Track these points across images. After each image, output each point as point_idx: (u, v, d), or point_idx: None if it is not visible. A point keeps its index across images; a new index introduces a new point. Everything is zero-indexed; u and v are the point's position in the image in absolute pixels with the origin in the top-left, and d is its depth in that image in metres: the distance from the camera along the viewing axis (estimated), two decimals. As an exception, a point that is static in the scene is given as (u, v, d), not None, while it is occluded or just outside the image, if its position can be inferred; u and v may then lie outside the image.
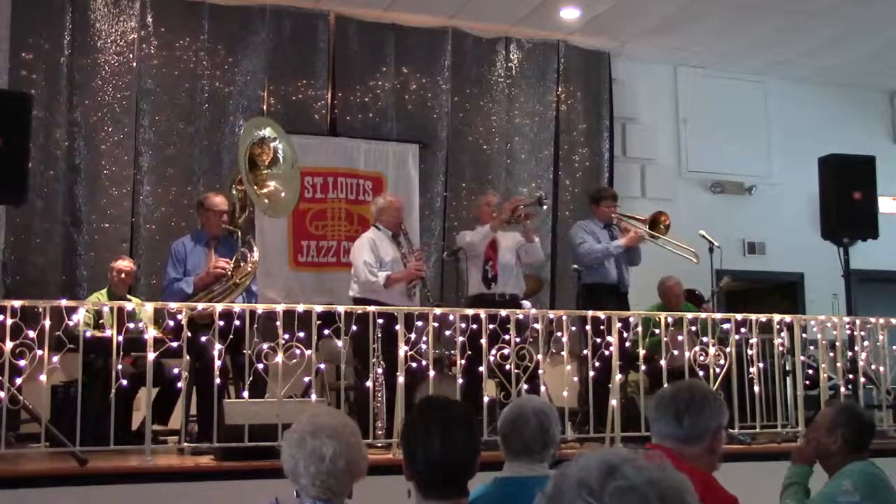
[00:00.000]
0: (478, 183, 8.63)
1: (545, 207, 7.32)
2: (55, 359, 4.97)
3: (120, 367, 5.08)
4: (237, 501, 4.48)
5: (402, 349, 5.39)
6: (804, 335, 6.75)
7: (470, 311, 5.76)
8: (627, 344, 6.19)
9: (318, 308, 5.45)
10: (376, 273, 6.13)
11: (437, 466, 2.36)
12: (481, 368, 5.63)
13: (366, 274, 6.12)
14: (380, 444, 5.48)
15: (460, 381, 5.65)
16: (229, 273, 5.88)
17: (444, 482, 2.37)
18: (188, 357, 5.31)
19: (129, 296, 6.60)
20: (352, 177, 8.22)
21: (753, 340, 6.30)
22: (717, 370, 6.09)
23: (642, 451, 1.14)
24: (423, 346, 5.69)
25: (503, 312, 5.77)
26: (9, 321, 4.72)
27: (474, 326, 5.65)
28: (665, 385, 2.89)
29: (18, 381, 4.81)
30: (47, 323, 4.86)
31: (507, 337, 5.65)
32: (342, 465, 2.43)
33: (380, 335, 5.52)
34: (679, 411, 2.61)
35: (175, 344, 5.18)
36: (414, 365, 5.58)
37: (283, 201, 6.17)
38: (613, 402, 5.88)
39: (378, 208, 6.52)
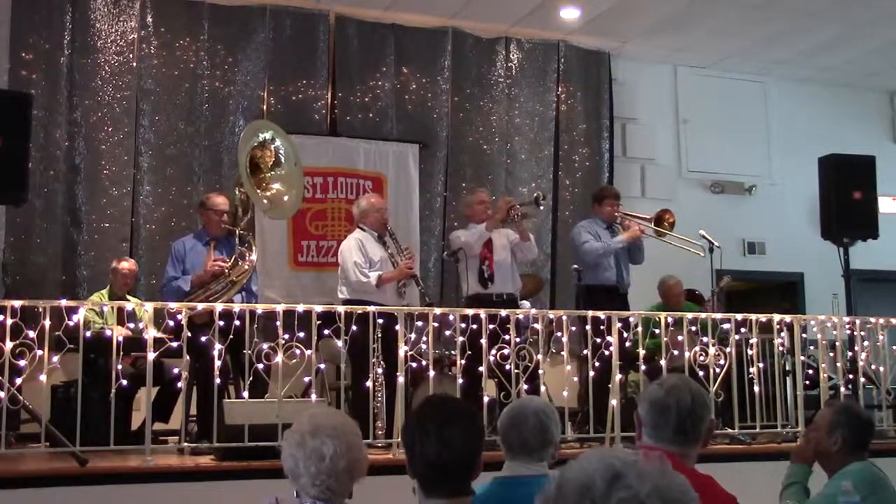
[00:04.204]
0: (478, 183, 8.59)
1: (542, 207, 7.25)
2: (55, 359, 4.97)
3: (120, 367, 5.09)
4: (237, 501, 4.48)
5: (402, 349, 5.39)
6: (804, 335, 6.76)
7: (470, 312, 5.74)
8: (627, 344, 6.18)
9: (318, 308, 5.45)
10: (367, 273, 6.06)
11: (434, 465, 2.36)
12: (481, 368, 5.62)
13: (356, 275, 6.05)
14: (380, 444, 5.48)
15: (460, 381, 5.65)
16: (227, 271, 5.89)
17: (443, 481, 2.37)
18: (188, 357, 5.31)
19: (128, 296, 6.61)
20: (352, 177, 8.22)
21: (753, 340, 6.29)
22: (717, 370, 6.08)
23: (643, 454, 1.12)
24: (423, 346, 5.68)
25: (503, 312, 5.77)
26: (9, 321, 4.72)
27: (474, 326, 5.64)
28: (653, 386, 2.72)
29: (18, 381, 4.81)
30: (47, 323, 4.86)
31: (506, 337, 5.65)
32: (342, 465, 2.43)
33: (379, 335, 5.52)
34: (682, 418, 2.51)
35: (175, 344, 5.19)
36: (414, 365, 5.56)
37: (285, 204, 6.15)
38: (613, 402, 5.88)
39: (360, 211, 6.40)
